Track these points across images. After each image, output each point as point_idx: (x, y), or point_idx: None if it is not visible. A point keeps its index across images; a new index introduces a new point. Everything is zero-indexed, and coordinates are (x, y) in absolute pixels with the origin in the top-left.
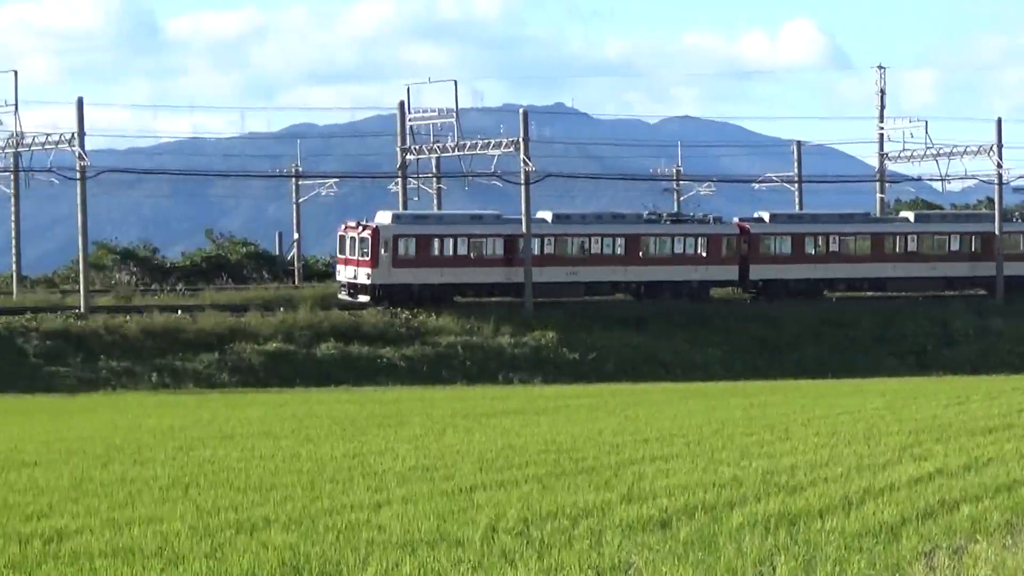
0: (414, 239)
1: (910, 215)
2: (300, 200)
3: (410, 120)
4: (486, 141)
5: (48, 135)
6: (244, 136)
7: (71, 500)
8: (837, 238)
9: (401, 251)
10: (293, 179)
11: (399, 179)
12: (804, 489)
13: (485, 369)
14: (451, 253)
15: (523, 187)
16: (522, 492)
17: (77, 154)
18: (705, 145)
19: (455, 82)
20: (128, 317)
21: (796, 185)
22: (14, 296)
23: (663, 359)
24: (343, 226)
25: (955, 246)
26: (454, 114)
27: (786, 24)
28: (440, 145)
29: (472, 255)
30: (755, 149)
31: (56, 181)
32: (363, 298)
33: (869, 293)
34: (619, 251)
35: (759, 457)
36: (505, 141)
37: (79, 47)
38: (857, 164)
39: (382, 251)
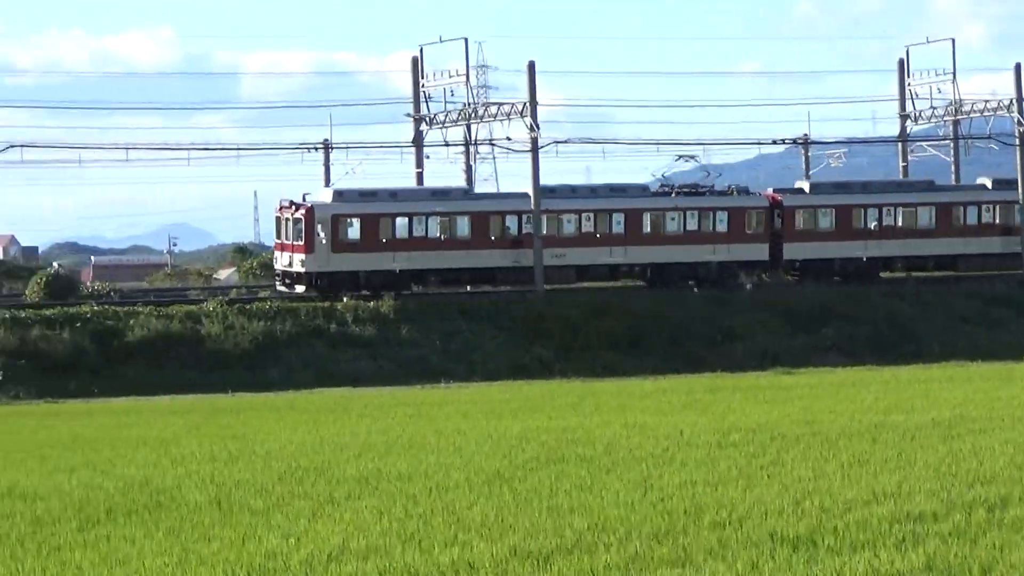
0: (358, 219)
1: (987, 181)
2: None
3: None
4: None
5: (986, 102)
6: None
7: (1016, 467)
8: (893, 209)
9: (342, 234)
10: None
11: None
12: None
13: None
14: (405, 235)
15: None
16: None
17: (1015, 120)
18: None
19: None
20: None
21: None
22: None
23: None
24: (278, 206)
25: None
26: None
27: None
28: None
29: (442, 237)
30: None
31: (995, 147)
32: (299, 288)
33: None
34: (617, 229)
35: None
36: None
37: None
38: None
39: (319, 234)
